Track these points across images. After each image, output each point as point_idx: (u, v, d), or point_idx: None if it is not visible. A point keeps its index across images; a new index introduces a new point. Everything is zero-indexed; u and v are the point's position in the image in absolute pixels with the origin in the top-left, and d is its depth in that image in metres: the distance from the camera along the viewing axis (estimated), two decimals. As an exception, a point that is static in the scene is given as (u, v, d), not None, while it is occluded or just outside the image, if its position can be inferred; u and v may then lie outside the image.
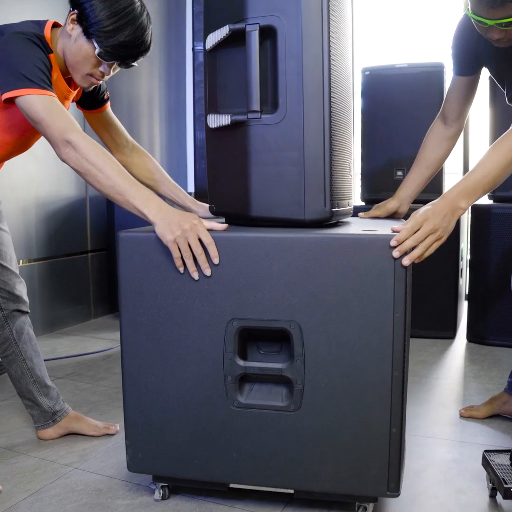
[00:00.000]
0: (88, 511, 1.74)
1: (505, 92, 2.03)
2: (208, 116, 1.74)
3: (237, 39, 1.64)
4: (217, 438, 1.69)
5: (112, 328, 3.96)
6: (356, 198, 4.73)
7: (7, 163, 2.10)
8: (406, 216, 1.86)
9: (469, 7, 1.70)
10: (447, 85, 3.57)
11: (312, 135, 1.63)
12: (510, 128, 1.77)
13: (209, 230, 1.61)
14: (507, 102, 2.05)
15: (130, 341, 1.71)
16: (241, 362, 1.65)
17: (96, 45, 1.78)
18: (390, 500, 1.79)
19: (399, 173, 3.61)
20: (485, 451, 1.85)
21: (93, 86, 1.92)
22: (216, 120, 1.72)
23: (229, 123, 1.69)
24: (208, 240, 1.59)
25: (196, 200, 2.17)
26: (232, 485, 1.73)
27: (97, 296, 4.27)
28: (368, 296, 1.56)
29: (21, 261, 3.65)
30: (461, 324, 3.83)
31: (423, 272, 3.54)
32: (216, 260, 1.59)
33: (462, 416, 2.42)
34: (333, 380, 1.60)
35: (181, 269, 1.61)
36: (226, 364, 1.65)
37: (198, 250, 1.58)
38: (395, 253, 1.52)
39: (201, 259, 1.59)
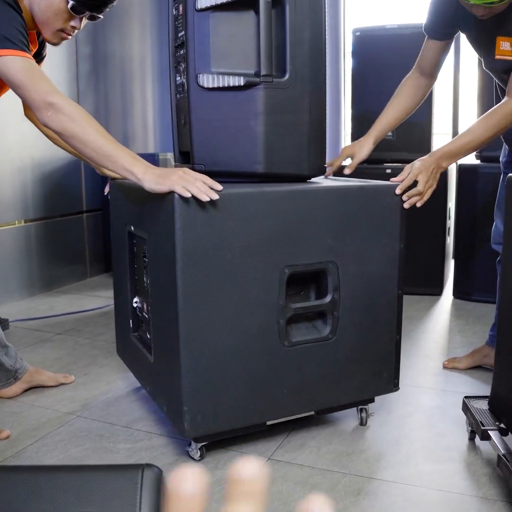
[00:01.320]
0: (92, 454, 1.86)
1: (482, 59, 2.09)
2: (199, 75, 1.77)
3: (240, 4, 1.73)
4: (271, 380, 1.81)
5: (108, 286, 4.04)
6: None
7: (1, 123, 2.12)
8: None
9: None
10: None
11: (316, 100, 1.86)
12: (499, 103, 1.91)
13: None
14: (484, 68, 2.11)
15: (187, 303, 1.67)
16: (292, 305, 1.81)
17: None
18: (375, 442, 1.91)
19: (389, 133, 3.66)
20: (465, 397, 1.97)
21: (62, 42, 1.93)
22: (218, 80, 1.76)
23: (242, 84, 1.76)
24: (201, 177, 1.61)
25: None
26: (268, 422, 1.87)
27: (92, 255, 4.34)
28: (383, 232, 1.89)
29: (17, 221, 3.72)
30: (448, 281, 3.93)
31: (411, 231, 3.62)
32: (217, 186, 1.61)
33: (445, 367, 2.54)
34: (358, 305, 1.89)
35: (214, 196, 1.59)
36: (279, 309, 1.78)
37: (199, 178, 1.60)
38: (405, 202, 1.88)
39: (208, 182, 1.60)
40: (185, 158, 1.96)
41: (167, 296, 1.73)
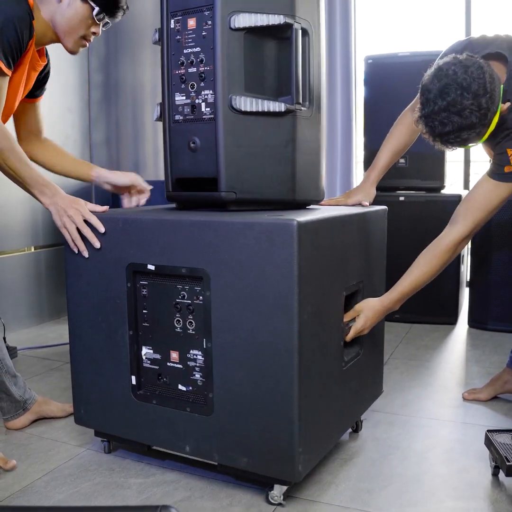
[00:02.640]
0: (102, 490, 1.79)
1: None
2: (233, 97, 1.70)
3: (274, 29, 1.72)
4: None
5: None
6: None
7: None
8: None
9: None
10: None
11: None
12: (436, 239, 2.00)
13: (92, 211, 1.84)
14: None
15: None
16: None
17: (93, 4, 1.86)
18: (396, 478, 1.84)
19: (402, 160, 3.64)
20: (488, 431, 1.90)
21: (80, 50, 1.99)
22: (256, 105, 1.72)
23: (283, 110, 1.75)
24: (88, 216, 1.81)
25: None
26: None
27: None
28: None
29: (26, 248, 3.69)
30: (462, 310, 3.87)
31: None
32: (101, 229, 1.80)
33: (465, 399, 2.47)
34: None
35: (75, 250, 1.85)
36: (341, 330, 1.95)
37: (84, 230, 1.81)
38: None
39: (89, 235, 1.81)
40: (182, 187, 1.87)
41: (259, 341, 1.62)
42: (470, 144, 1.84)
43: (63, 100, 3.78)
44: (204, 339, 1.71)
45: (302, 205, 1.94)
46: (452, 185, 4.28)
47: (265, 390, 1.62)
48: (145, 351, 1.83)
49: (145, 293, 1.80)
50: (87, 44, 1.97)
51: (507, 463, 1.71)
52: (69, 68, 3.81)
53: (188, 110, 1.77)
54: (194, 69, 1.74)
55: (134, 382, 1.84)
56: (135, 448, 1.97)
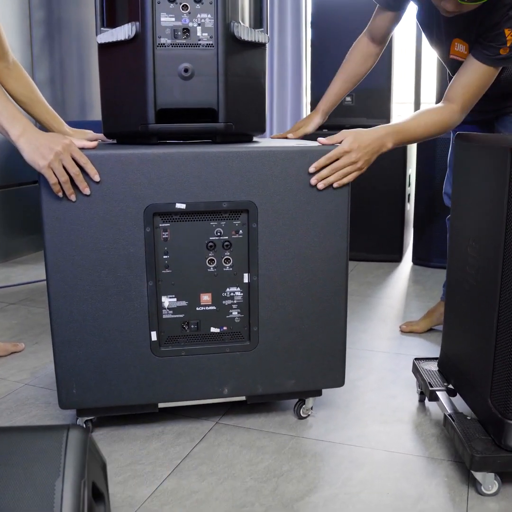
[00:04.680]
0: (37, 422, 1.82)
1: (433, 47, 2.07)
2: (235, 25, 1.64)
3: None
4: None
5: (66, 256, 3.98)
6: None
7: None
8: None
9: None
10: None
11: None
12: (435, 108, 1.84)
13: (81, 148, 1.54)
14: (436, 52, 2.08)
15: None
16: None
17: None
18: (324, 406, 1.90)
19: (348, 99, 3.63)
20: (415, 359, 1.97)
21: None
22: (252, 34, 1.70)
23: (267, 42, 1.76)
24: (83, 159, 1.51)
25: (73, 129, 2.05)
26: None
27: (50, 225, 4.26)
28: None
29: (-28, 190, 3.63)
30: (408, 248, 3.94)
31: (370, 197, 3.62)
32: (96, 178, 1.53)
33: (403, 331, 2.53)
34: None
35: (60, 194, 1.53)
36: None
37: (74, 171, 1.50)
38: (313, 181, 1.63)
39: (79, 179, 1.52)
40: (167, 119, 1.67)
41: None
42: None
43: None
44: (245, 274, 1.69)
45: (250, 138, 1.85)
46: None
47: (314, 310, 1.73)
48: (167, 300, 1.67)
49: (166, 236, 1.64)
50: None
51: (430, 388, 1.77)
52: (8, 4, 3.69)
53: (179, 33, 1.62)
54: None
55: (154, 338, 1.67)
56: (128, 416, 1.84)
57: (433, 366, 1.91)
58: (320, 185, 1.63)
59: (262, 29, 1.74)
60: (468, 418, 1.59)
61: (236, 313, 1.71)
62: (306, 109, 4.87)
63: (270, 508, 1.42)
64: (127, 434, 1.75)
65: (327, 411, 1.88)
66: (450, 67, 2.04)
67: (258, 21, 1.76)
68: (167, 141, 1.72)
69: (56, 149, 1.47)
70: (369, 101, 3.64)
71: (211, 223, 1.65)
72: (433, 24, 1.97)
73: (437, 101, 3.38)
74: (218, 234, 1.65)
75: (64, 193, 1.53)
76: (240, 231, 1.66)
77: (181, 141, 1.76)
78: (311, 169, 1.62)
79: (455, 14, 1.70)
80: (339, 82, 2.15)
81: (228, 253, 1.67)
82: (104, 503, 1.13)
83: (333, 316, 1.74)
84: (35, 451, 1.00)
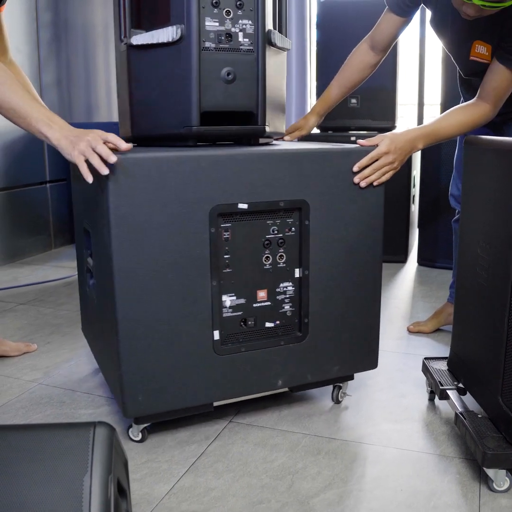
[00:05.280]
0: (53, 421, 1.84)
1: (449, 52, 2.09)
2: (272, 31, 1.72)
3: None
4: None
5: (72, 257, 4.00)
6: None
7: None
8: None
9: None
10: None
11: None
12: (467, 105, 1.94)
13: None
14: (450, 54, 2.10)
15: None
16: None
17: None
18: (335, 405, 1.93)
19: (353, 100, 3.66)
20: (425, 358, 1.99)
21: None
22: (284, 42, 1.78)
23: (289, 48, 1.86)
24: (112, 138, 1.51)
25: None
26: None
27: (57, 226, 4.29)
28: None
29: (-21, 192, 3.66)
30: (413, 249, 3.96)
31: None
32: (123, 146, 1.51)
33: (410, 331, 2.56)
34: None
35: (89, 180, 1.47)
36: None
37: (102, 150, 1.47)
38: (356, 180, 1.75)
39: (113, 140, 1.51)
40: (210, 121, 1.70)
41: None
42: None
43: (11, 40, 3.69)
44: (297, 269, 1.77)
45: (270, 140, 1.95)
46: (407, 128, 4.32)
47: (355, 298, 1.84)
48: (228, 299, 1.70)
49: (227, 236, 1.67)
50: None
51: (441, 387, 1.80)
52: (15, 6, 3.72)
53: (222, 38, 1.66)
54: None
55: (217, 337, 1.69)
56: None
57: (443, 365, 1.94)
58: (363, 184, 1.75)
59: (282, 34, 1.81)
60: (479, 416, 1.61)
61: (288, 307, 1.79)
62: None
63: (286, 504, 1.44)
64: (142, 432, 1.78)
65: (338, 410, 1.90)
66: (467, 68, 2.04)
67: (279, 27, 1.81)
68: (199, 144, 1.74)
69: (87, 137, 1.49)
70: (374, 103, 3.66)
71: (267, 222, 1.71)
72: (449, 28, 1.99)
73: (443, 103, 3.43)
74: (274, 232, 1.72)
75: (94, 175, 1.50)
76: (293, 228, 1.74)
77: (209, 143, 1.79)
78: (355, 168, 1.73)
79: (476, 17, 1.74)
80: (335, 87, 2.20)
81: (282, 250, 1.74)
82: (127, 499, 1.15)
83: (371, 302, 1.87)
84: (63, 447, 1.03)
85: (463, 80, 2.19)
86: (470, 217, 1.75)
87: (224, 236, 1.66)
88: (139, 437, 1.72)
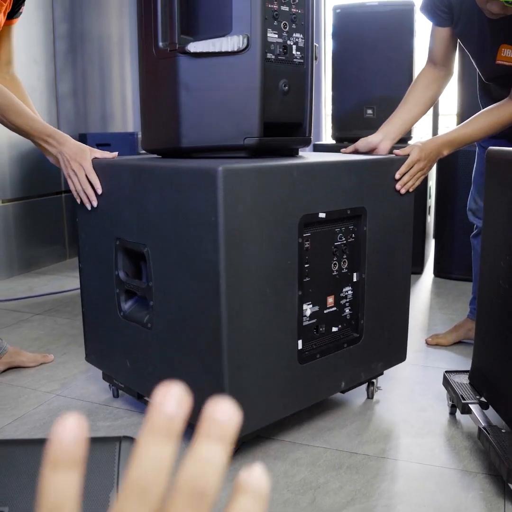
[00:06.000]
0: (71, 433, 1.83)
1: (475, 58, 2.08)
2: (316, 45, 1.76)
3: None
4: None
5: (88, 267, 4.00)
6: (327, 137, 4.78)
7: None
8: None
9: None
10: (417, 23, 3.59)
11: None
12: (505, 99, 1.94)
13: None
14: (476, 65, 2.09)
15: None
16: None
17: None
18: (356, 417, 1.91)
19: (369, 111, 3.66)
20: (446, 371, 1.98)
21: None
22: (318, 52, 1.79)
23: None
24: (92, 175, 1.78)
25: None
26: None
27: (71, 236, 4.30)
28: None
29: (-6, 201, 3.67)
30: (428, 260, 3.94)
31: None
32: (99, 190, 1.79)
33: (429, 344, 2.54)
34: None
35: (78, 200, 1.83)
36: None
37: (84, 186, 1.78)
38: (398, 186, 1.87)
39: (89, 192, 1.79)
40: (269, 132, 1.68)
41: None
42: None
43: (28, 51, 3.71)
44: (355, 273, 1.84)
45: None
46: (422, 139, 4.31)
47: (395, 296, 1.96)
48: (307, 308, 1.71)
49: (308, 245, 1.67)
50: None
51: (463, 401, 1.78)
52: (33, 18, 3.74)
53: (281, 50, 1.67)
54: (286, 8, 1.66)
55: (300, 346, 1.69)
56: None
57: (464, 379, 1.92)
58: (403, 190, 1.88)
59: None
60: (503, 431, 1.59)
61: (348, 310, 1.85)
62: (325, 120, 4.89)
63: (309, 520, 1.43)
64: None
65: (359, 423, 1.89)
66: (492, 73, 2.03)
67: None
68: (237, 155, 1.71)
69: (72, 166, 1.77)
70: (390, 113, 3.63)
71: (335, 230, 1.76)
72: (475, 33, 1.98)
73: (459, 113, 3.42)
74: (341, 239, 1.78)
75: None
76: (353, 234, 1.80)
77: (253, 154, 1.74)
78: (397, 175, 1.86)
79: (501, 16, 1.74)
80: (403, 106, 2.13)
81: (345, 256, 1.80)
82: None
83: (404, 299, 2.00)
84: (88, 462, 1.02)
85: (483, 86, 2.18)
86: (492, 230, 1.73)
87: (306, 246, 1.67)
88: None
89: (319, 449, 1.74)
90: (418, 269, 3.72)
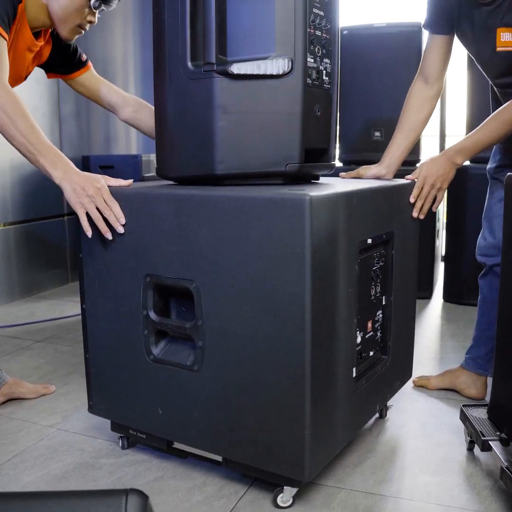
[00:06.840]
0: (73, 471, 1.76)
1: (479, 59, 2.02)
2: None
3: None
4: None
5: (90, 291, 3.94)
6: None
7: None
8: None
9: None
10: (425, 45, 3.55)
11: None
12: (507, 107, 1.87)
13: (115, 187, 1.67)
14: (482, 69, 2.04)
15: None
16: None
17: None
18: (370, 454, 1.83)
19: (377, 133, 3.61)
20: (463, 405, 1.89)
21: (76, 37, 1.98)
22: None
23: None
24: (112, 202, 1.63)
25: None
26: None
27: (74, 260, 4.23)
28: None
29: (-5, 225, 3.62)
30: (437, 284, 3.87)
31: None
32: (122, 221, 1.63)
33: (415, 384, 2.36)
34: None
35: (89, 233, 1.64)
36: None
37: (107, 212, 1.62)
38: (414, 214, 1.91)
39: (112, 219, 1.63)
40: (310, 157, 1.65)
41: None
42: None
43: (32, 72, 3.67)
44: (384, 296, 1.84)
45: None
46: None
47: (407, 315, 2.01)
48: (358, 335, 1.67)
49: (357, 271, 1.62)
50: (83, 32, 1.95)
51: (482, 438, 1.70)
52: (36, 39, 3.70)
53: (316, 75, 1.63)
54: (319, 33, 1.61)
55: (355, 374, 1.64)
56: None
57: (483, 414, 1.84)
58: (421, 216, 1.92)
59: None
60: (527, 471, 1.51)
61: (379, 333, 1.85)
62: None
63: None
64: (167, 486, 1.68)
65: (373, 460, 1.80)
66: (499, 63, 1.94)
67: None
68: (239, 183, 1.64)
69: (89, 192, 1.61)
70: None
71: (373, 255, 1.74)
72: (469, 26, 1.94)
73: (467, 133, 3.37)
74: (377, 263, 1.77)
75: (94, 232, 1.66)
76: (383, 258, 1.80)
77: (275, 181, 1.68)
78: (411, 199, 1.88)
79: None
80: (400, 133, 2.07)
81: (379, 280, 1.79)
82: None
83: (412, 317, 2.08)
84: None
85: (493, 93, 2.12)
86: (513, 259, 1.66)
87: (356, 272, 1.62)
88: (291, 502, 1.58)
89: (333, 489, 1.65)
90: (427, 293, 3.65)
